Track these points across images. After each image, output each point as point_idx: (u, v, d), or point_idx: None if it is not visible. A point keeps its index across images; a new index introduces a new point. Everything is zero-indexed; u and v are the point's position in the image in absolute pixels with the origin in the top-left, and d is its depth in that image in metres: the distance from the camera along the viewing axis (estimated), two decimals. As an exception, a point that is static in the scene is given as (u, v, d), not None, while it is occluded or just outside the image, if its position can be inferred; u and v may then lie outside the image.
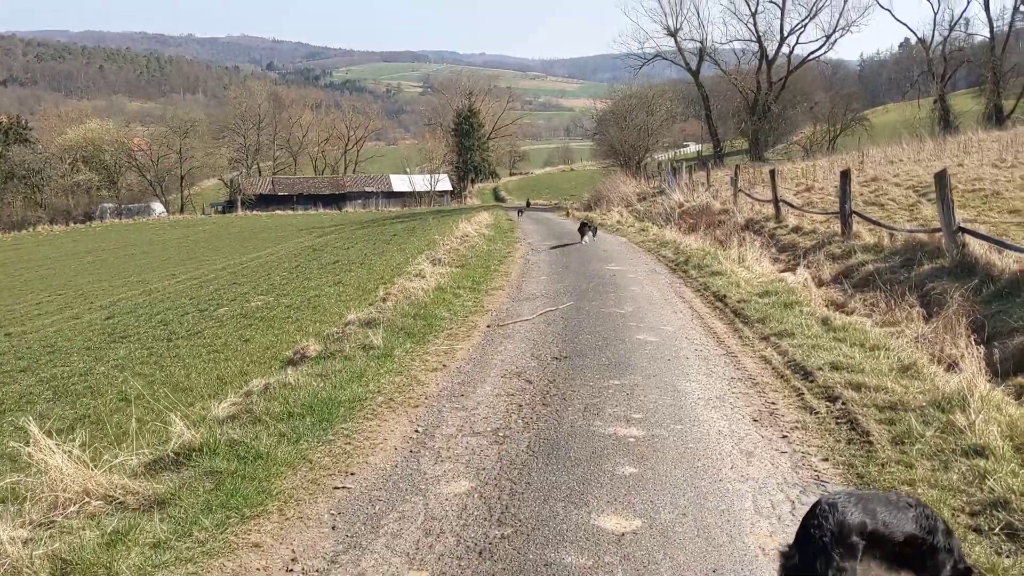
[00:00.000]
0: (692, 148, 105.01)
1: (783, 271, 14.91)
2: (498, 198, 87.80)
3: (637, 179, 43.66)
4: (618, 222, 27.52)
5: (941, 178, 11.17)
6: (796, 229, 18.12)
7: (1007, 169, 21.65)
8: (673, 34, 58.93)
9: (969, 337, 8.45)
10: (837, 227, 16.27)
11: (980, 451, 4.73)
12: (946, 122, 56.31)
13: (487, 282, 13.58)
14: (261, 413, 6.11)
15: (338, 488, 4.91)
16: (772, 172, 20.58)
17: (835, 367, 6.97)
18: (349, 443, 5.66)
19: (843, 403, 6.02)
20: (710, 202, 24.50)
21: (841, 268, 13.48)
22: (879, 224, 14.43)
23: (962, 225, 11.19)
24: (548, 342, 8.87)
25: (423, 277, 13.29)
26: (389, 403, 6.60)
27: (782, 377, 7.05)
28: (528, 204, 55.45)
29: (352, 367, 7.47)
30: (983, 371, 5.85)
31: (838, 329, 8.54)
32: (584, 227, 21.43)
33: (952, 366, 7.93)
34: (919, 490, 4.38)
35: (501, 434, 5.78)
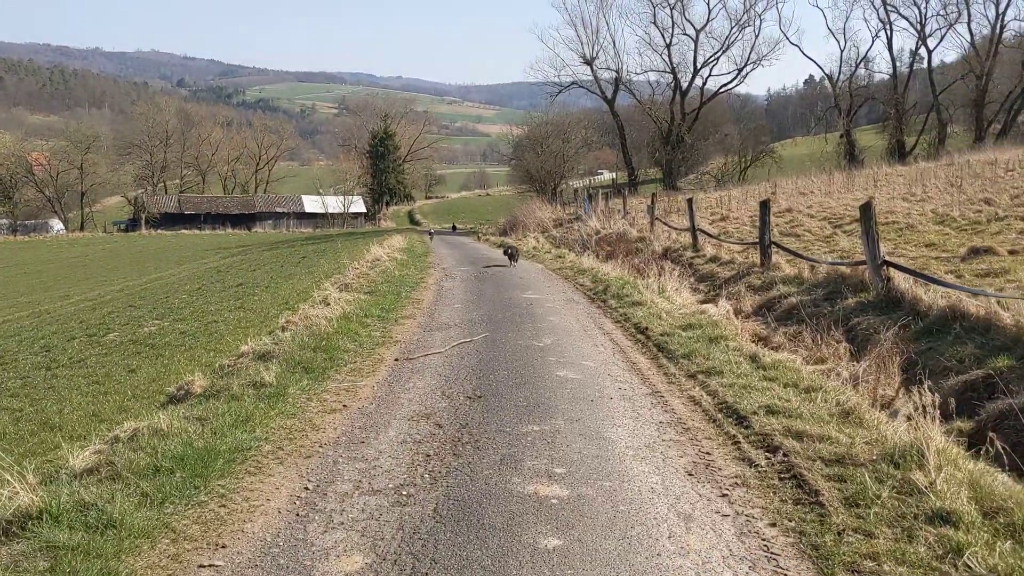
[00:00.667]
0: (607, 175, 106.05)
1: (703, 302, 14.54)
2: (413, 221, 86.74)
3: (553, 205, 43.43)
4: (534, 248, 27.02)
5: (866, 210, 10.91)
6: (714, 259, 17.87)
7: (917, 203, 21.96)
8: (589, 63, 59.28)
9: (903, 378, 8.08)
10: (756, 257, 16.05)
11: (947, 517, 4.19)
12: (852, 156, 58.00)
13: (398, 310, 12.78)
14: (123, 467, 5.20)
15: (204, 567, 4.07)
16: (689, 201, 20.37)
17: (771, 411, 6.44)
18: (224, 505, 4.81)
19: (785, 454, 5.46)
20: (627, 230, 24.21)
21: (762, 300, 13.15)
22: (800, 256, 14.19)
23: (887, 259, 10.93)
24: (461, 379, 8.14)
25: (328, 304, 12.42)
26: (277, 453, 5.77)
27: (714, 422, 6.48)
28: (454, 228, 54.57)
29: (238, 409, 6.59)
30: (935, 419, 5.35)
31: (768, 367, 8.05)
32: (510, 252, 21.61)
33: (887, 407, 7.52)
34: (885, 567, 3.80)
35: (405, 492, 5.01)
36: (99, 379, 12.32)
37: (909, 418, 6.89)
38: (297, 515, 4.73)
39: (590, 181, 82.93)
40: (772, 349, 10.15)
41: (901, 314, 9.93)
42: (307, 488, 5.15)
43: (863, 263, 11.55)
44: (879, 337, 9.54)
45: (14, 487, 4.55)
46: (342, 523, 4.59)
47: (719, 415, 6.63)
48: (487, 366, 8.69)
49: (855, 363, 8.86)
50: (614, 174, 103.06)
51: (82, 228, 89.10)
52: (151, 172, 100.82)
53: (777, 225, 21.13)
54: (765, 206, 15.18)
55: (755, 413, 6.44)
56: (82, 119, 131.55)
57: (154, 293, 30.25)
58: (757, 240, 18.43)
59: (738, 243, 18.38)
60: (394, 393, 7.61)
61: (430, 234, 43.24)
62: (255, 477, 5.29)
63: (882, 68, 65.62)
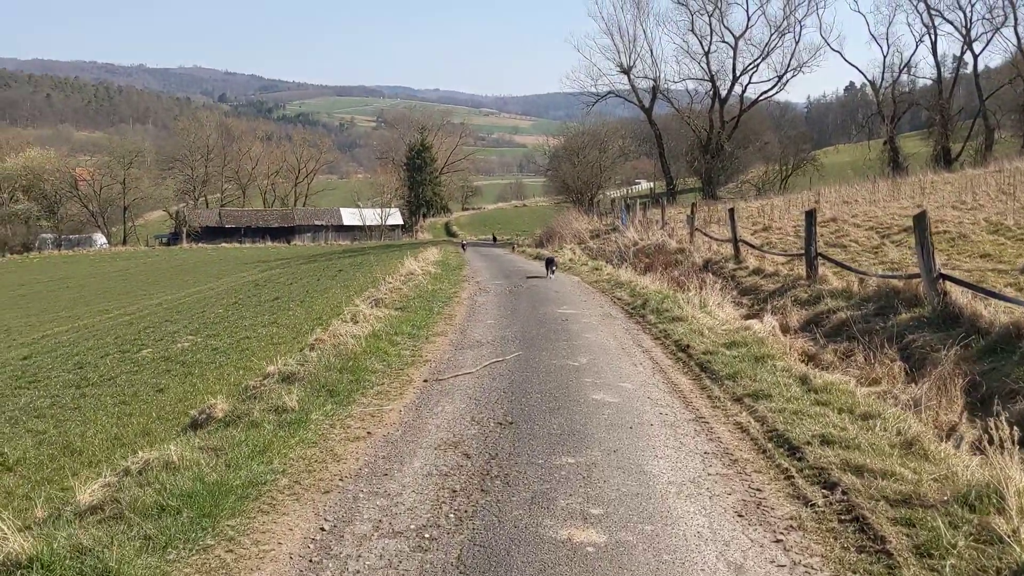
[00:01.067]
0: (644, 185, 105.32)
1: (747, 317, 14.00)
2: (450, 233, 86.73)
3: (589, 216, 42.92)
4: (570, 260, 26.55)
5: (920, 220, 10.34)
6: (757, 271, 17.29)
7: (968, 211, 21.17)
8: (627, 71, 58.80)
9: (966, 402, 7.52)
10: (801, 269, 15.46)
11: (1036, 574, 3.69)
12: (896, 163, 56.77)
13: (429, 327, 12.42)
14: (128, 505, 4.87)
15: (203, 624, 3.70)
16: (731, 211, 19.81)
17: (826, 441, 5.94)
18: (232, 550, 4.44)
19: (844, 492, 4.96)
20: (666, 241, 23.68)
21: (809, 315, 12.58)
22: (848, 268, 13.60)
23: (943, 272, 10.34)
24: (492, 402, 7.73)
25: (358, 321, 12.10)
26: (294, 488, 5.39)
27: (764, 452, 6.00)
28: (494, 239, 54.30)
29: (256, 437, 6.24)
30: (1013, 455, 4.83)
31: (820, 390, 7.54)
32: (550, 263, 21.64)
33: (950, 434, 6.98)
34: (970, 635, 3.32)
35: (427, 536, 4.61)
36: (126, 399, 12.11)
37: (978, 448, 6.36)
38: (310, 561, 4.35)
39: (627, 191, 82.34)
40: (822, 368, 9.62)
41: (960, 331, 9.35)
42: (323, 529, 4.76)
43: (917, 276, 10.96)
44: (937, 356, 8.98)
45: (3, 532, 4.22)
46: (357, 572, 4.20)
47: (769, 445, 6.14)
48: (519, 388, 8.27)
49: (912, 385, 8.31)
50: (652, 184, 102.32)
51: (124, 242, 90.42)
52: (192, 186, 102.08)
53: (822, 235, 20.45)
54: (811, 216, 14.60)
55: (808, 443, 5.95)
56: (126, 135, 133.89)
57: (191, 307, 30.27)
58: (802, 251, 17.84)
59: (782, 254, 17.79)
60: (421, 418, 7.22)
61: (463, 246, 43.01)
62: (268, 516, 4.91)
63: (926, 73, 64.22)
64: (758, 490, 5.23)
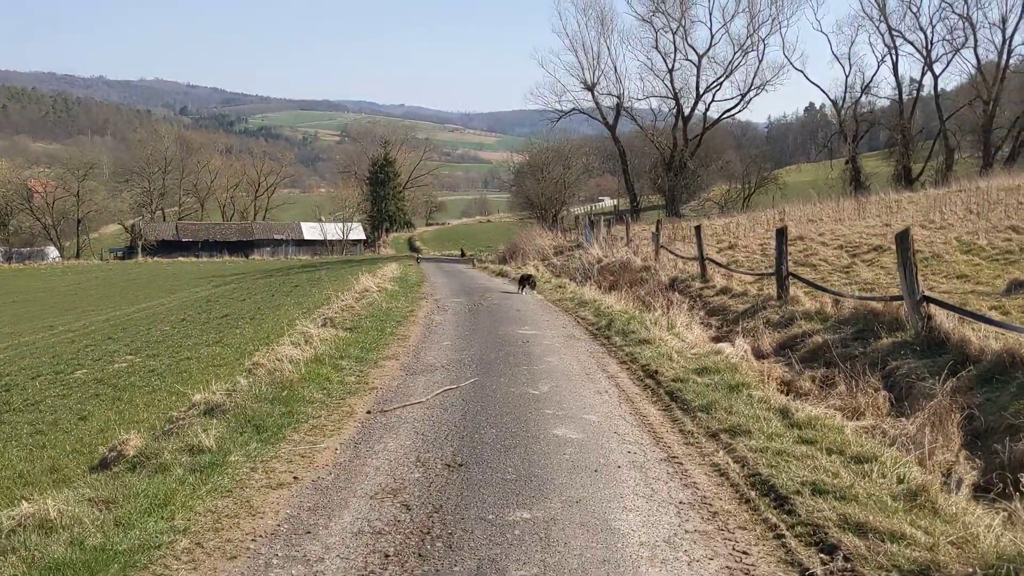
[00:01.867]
0: (608, 202, 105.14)
1: (716, 339, 13.32)
2: (413, 248, 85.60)
3: (553, 232, 42.27)
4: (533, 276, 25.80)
5: (904, 239, 9.70)
6: (725, 290, 16.65)
7: (937, 230, 20.79)
8: (591, 88, 58.33)
9: (963, 438, 6.84)
10: (770, 289, 14.85)
11: None
12: (858, 183, 56.93)
13: (379, 349, 11.55)
14: (-17, 580, 3.97)
15: None
16: (698, 228, 19.18)
17: (818, 490, 5.19)
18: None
19: (846, 559, 4.21)
20: (631, 258, 23.01)
21: (782, 338, 11.91)
22: (822, 289, 12.97)
23: (927, 294, 9.70)
24: (441, 438, 6.90)
25: (300, 344, 11.20)
26: (194, 552, 4.52)
27: (748, 503, 5.23)
28: (463, 254, 53.18)
29: (159, 486, 5.35)
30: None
31: (804, 425, 6.81)
32: (524, 280, 21.43)
33: (947, 476, 6.27)
34: None
35: (347, 619, 3.77)
36: (44, 428, 11.05)
37: (983, 490, 5.65)
38: (197, 657, 3.49)
39: (591, 208, 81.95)
40: (800, 397, 8.92)
41: (946, 358, 8.70)
42: (221, 609, 3.90)
43: (898, 298, 10.33)
44: (924, 386, 8.32)
45: None
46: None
47: (752, 493, 5.38)
48: (473, 421, 7.44)
49: (901, 419, 7.62)
50: (615, 201, 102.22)
51: (78, 256, 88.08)
52: (149, 199, 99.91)
53: (790, 254, 19.94)
54: (782, 234, 13.98)
55: (798, 492, 5.19)
56: (85, 147, 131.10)
57: (137, 324, 29.05)
58: (771, 270, 17.24)
59: (750, 273, 17.18)
60: (359, 458, 6.37)
61: (418, 260, 42.21)
62: (155, 593, 4.04)
63: (887, 93, 64.66)
64: (744, 553, 4.46)
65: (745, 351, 11.02)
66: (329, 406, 8.01)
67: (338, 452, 6.53)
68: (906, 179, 56.19)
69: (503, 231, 72.11)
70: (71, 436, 10.17)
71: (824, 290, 12.82)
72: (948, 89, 63.08)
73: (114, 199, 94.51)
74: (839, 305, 12.01)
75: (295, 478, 5.85)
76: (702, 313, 15.27)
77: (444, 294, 20.98)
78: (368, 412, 7.91)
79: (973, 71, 57.55)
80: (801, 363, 10.34)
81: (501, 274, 29.94)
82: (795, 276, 13.96)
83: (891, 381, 8.94)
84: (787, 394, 8.80)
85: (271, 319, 21.85)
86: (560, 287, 21.52)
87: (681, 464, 6.15)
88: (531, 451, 6.44)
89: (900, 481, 5.25)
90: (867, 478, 5.34)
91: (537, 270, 28.44)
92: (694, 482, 5.72)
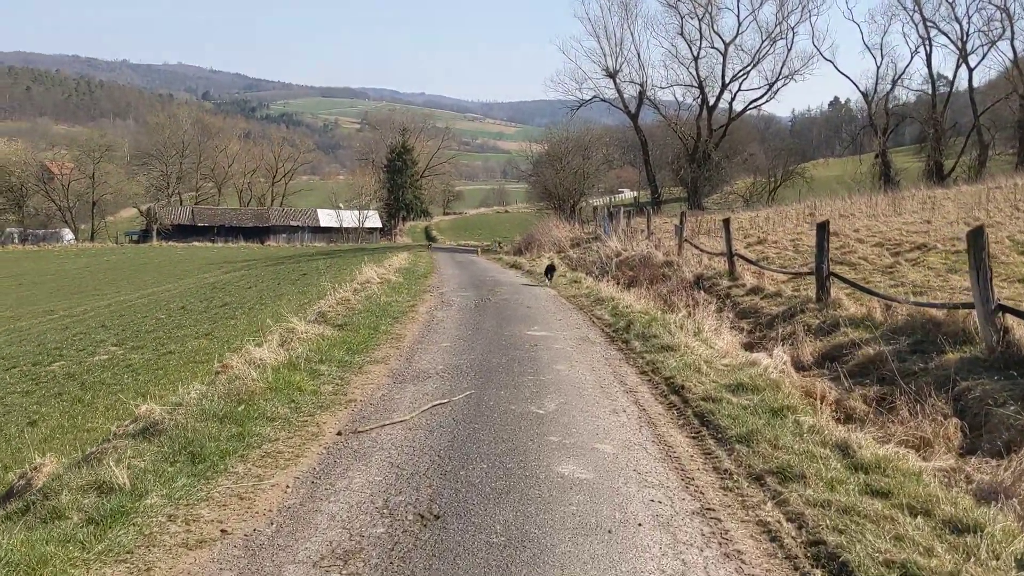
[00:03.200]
0: (627, 194, 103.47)
1: (748, 345, 11.93)
2: (430, 237, 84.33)
3: (571, 223, 40.82)
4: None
5: (977, 238, 8.28)
6: (756, 290, 15.23)
7: (987, 229, 19.25)
8: (612, 76, 56.77)
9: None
10: (808, 290, 13.44)
11: None
12: (887, 178, 55.09)
13: (368, 350, 10.25)
14: None
15: None
16: (726, 221, 17.75)
17: (908, 575, 3.84)
18: None
19: None
20: (652, 252, 21.58)
21: (825, 347, 10.51)
22: (871, 292, 11.52)
23: (1003, 303, 8.28)
24: (419, 474, 5.59)
25: (284, 343, 9.93)
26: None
27: (815, 591, 3.88)
28: (499, 244, 50.79)
29: (34, 545, 4.06)
30: None
31: (871, 468, 5.45)
32: (550, 270, 21.18)
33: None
34: None
35: None
36: (-12, 432, 9.86)
37: None
38: None
39: (611, 200, 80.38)
40: (852, 421, 7.55)
41: (1029, 378, 7.31)
42: None
43: (966, 306, 8.92)
44: (1003, 413, 6.95)
45: None
46: None
47: (817, 572, 4.03)
48: (461, 451, 6.13)
49: (987, 460, 6.24)
50: (636, 193, 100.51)
51: (92, 238, 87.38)
52: (166, 183, 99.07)
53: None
54: (823, 229, 12.54)
55: (883, 578, 3.84)
56: (106, 130, 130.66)
57: (137, 311, 28.01)
58: (806, 269, 15.84)
59: (785, 272, 15.74)
60: (313, 501, 5.07)
61: (429, 247, 40.92)
62: None
63: (919, 86, 62.50)
64: None
65: (784, 363, 9.64)
66: (293, 425, 6.71)
67: (288, 491, 5.23)
68: (937, 175, 54.37)
69: (521, 222, 70.72)
70: (14, 443, 8.94)
71: (873, 293, 11.38)
72: (981, 83, 61.05)
73: (129, 182, 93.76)
74: (890, 311, 10.60)
75: (223, 531, 4.55)
76: (731, 315, 13.86)
77: (451, 287, 19.67)
78: (339, 433, 6.61)
79: (1009, 64, 55.52)
80: (850, 378, 8.93)
81: (515, 266, 28.58)
82: (837, 276, 12.53)
83: (961, 405, 7.55)
84: (840, 419, 7.42)
85: (269, 309, 20.64)
86: (576, 282, 20.16)
87: (719, 521, 4.81)
88: (528, 497, 5.10)
89: (1021, 567, 3.88)
90: (974, 559, 3.98)
91: (553, 263, 27.07)
92: (738, 551, 4.38)
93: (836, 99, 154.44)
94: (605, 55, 57.00)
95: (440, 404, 7.60)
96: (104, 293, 39.49)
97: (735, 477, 5.59)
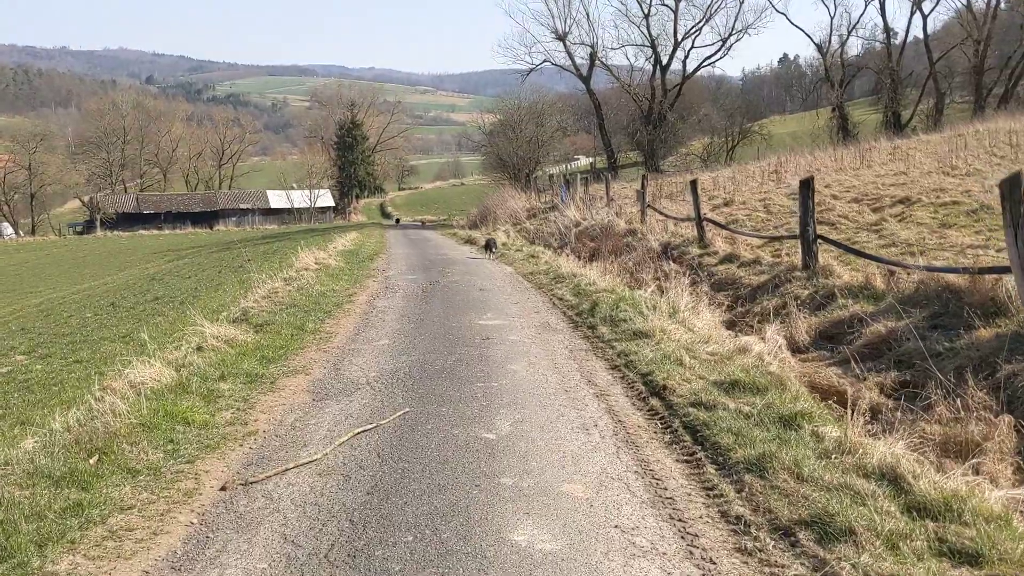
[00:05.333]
0: (584, 161, 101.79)
1: (729, 325, 10.48)
2: (385, 214, 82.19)
3: (527, 194, 39.11)
4: (503, 244, 22.80)
5: (1013, 188, 6.77)
6: (731, 257, 13.76)
7: (963, 177, 18.01)
8: (562, 38, 54.82)
9: None
10: (792, 257, 11.99)
11: None
12: (845, 131, 54.06)
13: (288, 357, 8.60)
14: None
15: None
16: (693, 183, 16.22)
17: None
18: None
19: None
20: (613, 221, 20.03)
21: (821, 323, 9.06)
22: (875, 259, 10.06)
23: (1045, 265, 6.82)
24: (319, 554, 4.01)
25: (176, 364, 8.25)
26: None
27: None
28: (424, 224, 48.98)
29: None
30: None
31: (939, 512, 3.98)
32: (490, 245, 20.55)
33: None
34: None
35: None
36: None
37: None
38: None
39: (566, 167, 78.69)
40: (878, 422, 6.09)
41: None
42: None
43: (995, 271, 7.50)
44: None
45: None
46: None
47: None
48: (382, 510, 4.54)
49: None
50: (591, 159, 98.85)
51: (33, 232, 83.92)
52: (109, 171, 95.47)
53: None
54: (807, 186, 11.04)
55: None
56: (49, 119, 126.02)
57: (67, 308, 25.93)
58: (785, 231, 14.49)
59: (763, 237, 14.29)
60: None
61: (397, 222, 39.07)
62: None
63: (871, 35, 61.40)
64: None
65: (779, 347, 8.17)
66: (162, 480, 5.07)
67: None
68: (895, 125, 53.41)
69: (478, 194, 68.84)
70: None
71: (874, 259, 9.92)
72: (934, 30, 60.12)
73: (67, 172, 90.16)
74: (894, 278, 9.17)
75: None
76: (707, 289, 12.39)
77: (399, 269, 17.98)
78: (223, 488, 4.99)
79: (962, 8, 54.54)
80: (861, 361, 7.48)
81: (469, 241, 26.90)
82: (825, 239, 11.07)
83: (1009, 395, 6.13)
84: (858, 416, 5.93)
85: (202, 303, 18.82)
86: (533, 256, 18.59)
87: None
88: (470, 594, 3.55)
89: None
90: None
91: (508, 236, 25.47)
92: None
93: (785, 56, 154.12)
94: (553, 17, 55.43)
95: (365, 431, 6.01)
96: (39, 290, 37.11)
97: (753, 532, 4.08)
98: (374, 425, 6.14)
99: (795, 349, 8.62)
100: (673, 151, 64.32)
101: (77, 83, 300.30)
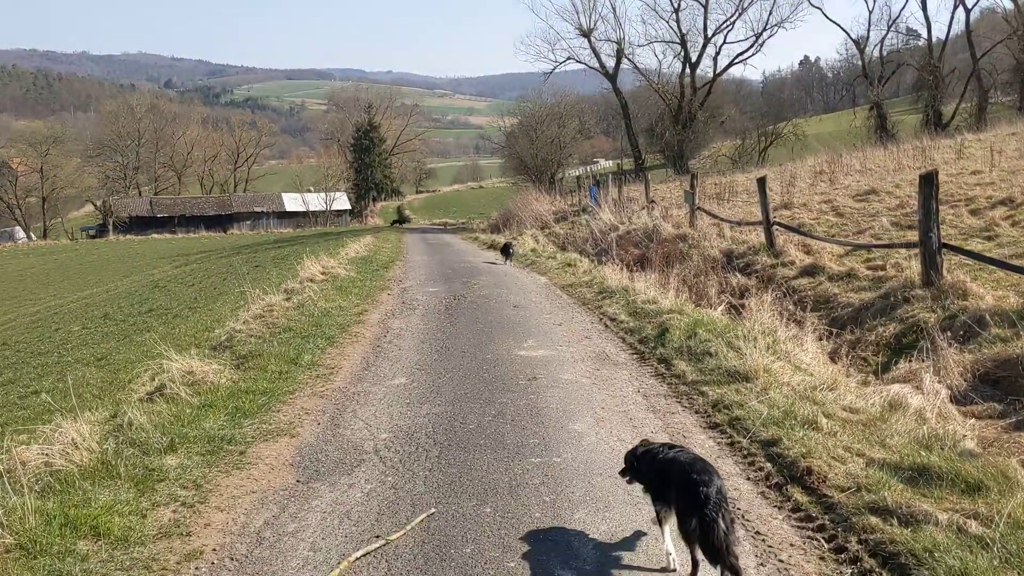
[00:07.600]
0: (604, 164, 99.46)
1: (833, 355, 8.22)
2: (402, 217, 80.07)
3: (551, 196, 36.91)
4: (532, 251, 20.59)
5: None
6: (813, 269, 11.50)
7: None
8: (587, 34, 52.60)
9: None
10: (907, 270, 9.65)
11: None
12: (884, 130, 51.50)
13: (271, 408, 6.44)
14: None
15: None
16: (761, 181, 13.98)
17: None
18: None
19: None
20: (660, 225, 17.76)
21: (978, 361, 6.82)
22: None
23: None
24: None
25: (107, 423, 6.11)
26: None
27: None
28: (445, 227, 46.69)
29: None
30: None
31: None
32: (506, 249, 19.16)
33: None
34: None
35: None
36: None
37: None
38: None
39: (587, 170, 76.43)
40: None
41: None
42: None
43: None
44: None
45: None
46: None
47: None
48: None
49: None
50: (611, 162, 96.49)
51: (44, 236, 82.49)
52: (122, 174, 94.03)
53: (878, 213, 14.86)
54: (930, 182, 8.77)
55: None
56: (68, 123, 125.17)
57: (59, 319, 24.02)
58: (874, 239, 12.23)
59: (857, 245, 11.94)
60: None
61: (399, 225, 37.00)
62: None
63: (915, 31, 58.73)
64: None
65: (939, 398, 5.94)
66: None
67: None
68: (937, 124, 50.83)
69: (497, 197, 66.76)
70: None
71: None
72: (978, 25, 57.42)
73: (80, 175, 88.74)
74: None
75: None
76: (790, 307, 10.15)
77: (417, 279, 15.80)
78: None
79: (1009, 3, 51.92)
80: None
81: (492, 246, 24.70)
82: (954, 249, 8.78)
83: None
84: None
85: (196, 316, 16.76)
86: (569, 265, 16.36)
87: None
88: None
89: None
90: None
91: (537, 242, 23.25)
92: None
93: (806, 58, 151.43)
94: (578, 12, 52.88)
95: (370, 553, 3.84)
96: (40, 297, 35.33)
97: None
98: (382, 543, 3.96)
99: (953, 399, 6.39)
100: (697, 153, 61.98)
101: (96, 87, 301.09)
